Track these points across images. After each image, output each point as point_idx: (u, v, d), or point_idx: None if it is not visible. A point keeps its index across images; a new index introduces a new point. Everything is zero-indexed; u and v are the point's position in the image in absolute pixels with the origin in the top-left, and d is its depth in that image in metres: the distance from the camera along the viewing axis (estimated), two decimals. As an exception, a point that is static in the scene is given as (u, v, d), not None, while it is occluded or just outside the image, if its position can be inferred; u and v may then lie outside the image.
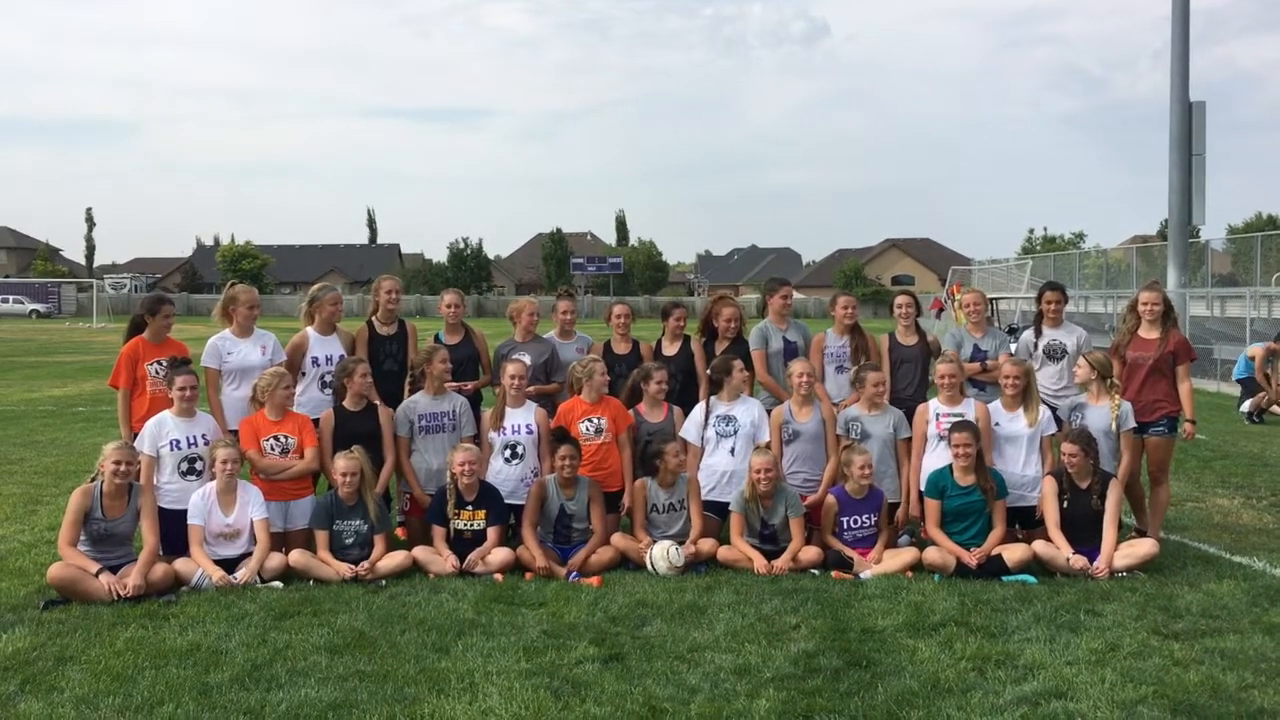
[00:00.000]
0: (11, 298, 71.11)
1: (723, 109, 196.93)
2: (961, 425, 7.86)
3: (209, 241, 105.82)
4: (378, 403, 8.34)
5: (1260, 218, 71.46)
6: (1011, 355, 8.66)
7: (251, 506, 7.54)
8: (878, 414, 8.33)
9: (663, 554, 7.66)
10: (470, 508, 7.89)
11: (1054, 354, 8.81)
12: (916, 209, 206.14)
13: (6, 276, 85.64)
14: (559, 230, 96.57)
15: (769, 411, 8.52)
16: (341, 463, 7.71)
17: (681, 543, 7.84)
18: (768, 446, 8.17)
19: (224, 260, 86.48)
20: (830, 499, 8.03)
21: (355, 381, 8.17)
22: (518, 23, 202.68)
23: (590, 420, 8.37)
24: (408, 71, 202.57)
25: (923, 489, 8.05)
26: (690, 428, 8.46)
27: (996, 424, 8.12)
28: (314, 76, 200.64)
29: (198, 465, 7.71)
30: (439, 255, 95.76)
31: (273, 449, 7.85)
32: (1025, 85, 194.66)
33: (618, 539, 7.99)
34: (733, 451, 8.33)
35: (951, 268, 46.35)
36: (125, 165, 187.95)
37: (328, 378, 8.47)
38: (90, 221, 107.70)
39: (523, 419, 8.39)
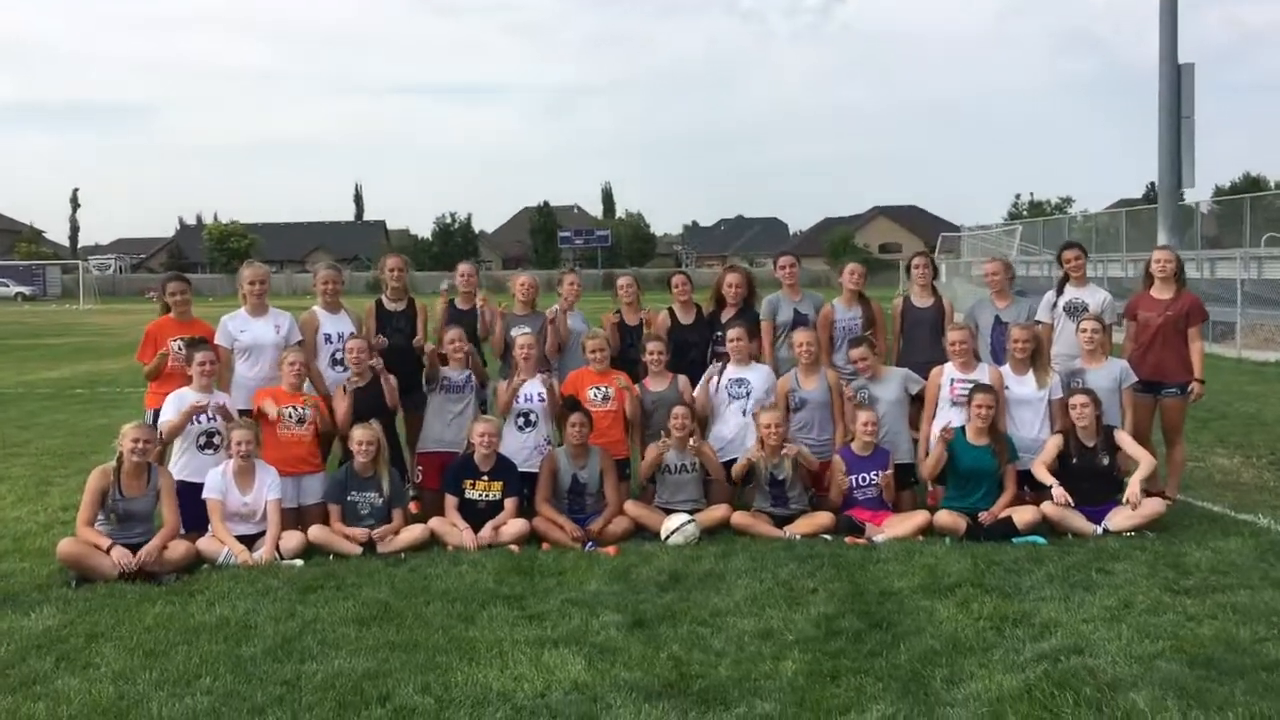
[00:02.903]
0: (-4, 281, 70.67)
1: (715, 84, 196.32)
2: (982, 387, 7.97)
3: (191, 221, 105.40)
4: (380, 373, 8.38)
5: (1247, 178, 71.77)
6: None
7: (268, 487, 7.60)
8: (883, 379, 8.42)
9: (678, 529, 7.75)
10: (486, 478, 7.97)
11: (1074, 312, 8.74)
12: (903, 176, 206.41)
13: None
14: (546, 204, 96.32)
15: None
16: (359, 432, 7.79)
17: (693, 511, 7.94)
18: (775, 406, 8.28)
19: (210, 239, 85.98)
20: (837, 458, 8.13)
21: (347, 356, 8.33)
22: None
23: (598, 388, 8.46)
24: (401, 47, 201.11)
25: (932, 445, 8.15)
26: (701, 387, 8.56)
27: (1006, 388, 8.20)
28: (301, 54, 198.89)
29: (215, 439, 7.80)
30: (425, 231, 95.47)
31: (289, 418, 7.93)
32: (1015, 52, 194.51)
33: (631, 507, 8.08)
34: (744, 413, 8.44)
35: (940, 235, 46.43)
36: (110, 146, 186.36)
37: (339, 354, 8.53)
38: (75, 203, 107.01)
39: (534, 387, 8.50)
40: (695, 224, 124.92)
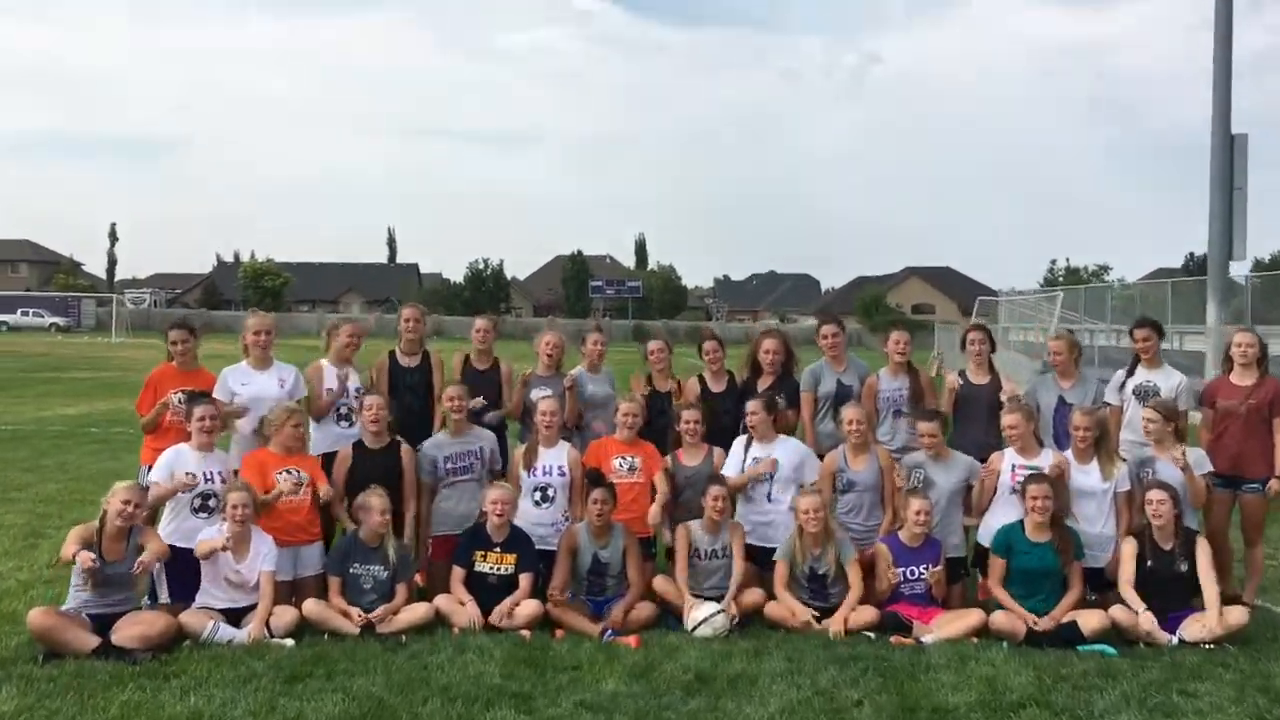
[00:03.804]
0: (32, 311, 71.03)
1: (751, 138, 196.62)
2: (1038, 477, 7.25)
3: (229, 258, 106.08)
4: (400, 440, 7.80)
5: (1288, 253, 70.52)
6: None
7: (263, 557, 6.98)
8: (946, 462, 7.72)
9: (706, 620, 7.07)
10: (499, 549, 7.33)
11: (1145, 396, 8.00)
12: (937, 237, 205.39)
13: (27, 290, 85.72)
14: (579, 252, 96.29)
15: (821, 457, 7.95)
16: (376, 499, 7.18)
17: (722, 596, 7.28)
18: (817, 490, 7.59)
19: (245, 277, 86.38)
20: (882, 547, 7.43)
21: (363, 414, 7.69)
22: (560, 48, 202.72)
23: (623, 458, 7.83)
24: (440, 90, 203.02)
25: (989, 545, 7.45)
26: (732, 464, 7.89)
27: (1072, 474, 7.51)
28: (340, 93, 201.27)
29: (211, 502, 7.19)
30: (458, 275, 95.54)
31: (285, 482, 7.28)
32: (1052, 115, 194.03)
33: (660, 583, 7.43)
34: (769, 497, 7.78)
35: (978, 298, 45.63)
36: (150, 180, 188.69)
37: (344, 409, 7.96)
38: (113, 237, 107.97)
39: (555, 460, 7.85)
40: (727, 278, 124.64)
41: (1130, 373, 8.25)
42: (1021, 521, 7.27)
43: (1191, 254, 77.65)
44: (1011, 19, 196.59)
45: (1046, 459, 7.52)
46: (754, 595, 7.41)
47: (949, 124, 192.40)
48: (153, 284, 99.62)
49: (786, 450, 7.89)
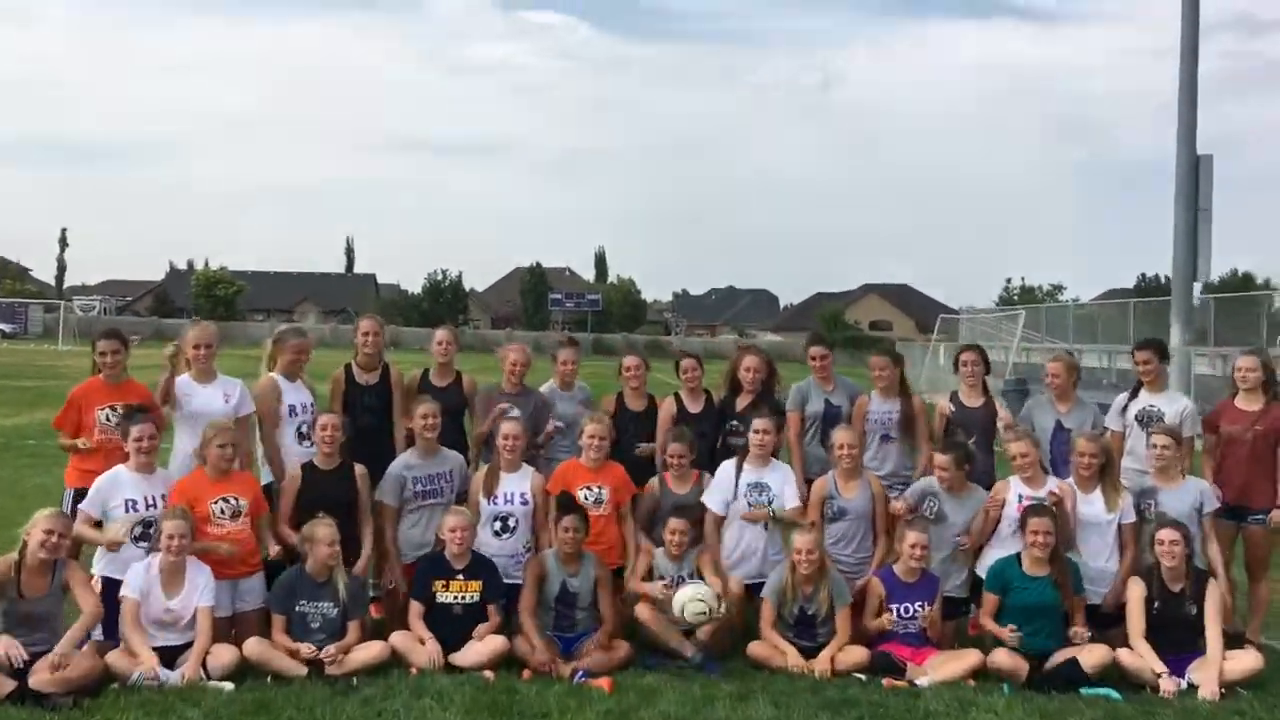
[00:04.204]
0: (-25, 317, 69.23)
1: (713, 154, 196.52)
2: (1038, 509, 6.80)
3: (182, 265, 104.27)
4: (353, 462, 7.22)
5: (1235, 275, 71.25)
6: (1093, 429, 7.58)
7: (200, 591, 6.36)
8: (961, 496, 7.23)
9: (694, 599, 6.65)
10: (461, 577, 6.77)
11: (1148, 422, 7.55)
12: (895, 255, 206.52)
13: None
14: (538, 264, 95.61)
15: (809, 482, 7.48)
16: (323, 530, 6.57)
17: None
18: (811, 524, 7.09)
19: (197, 285, 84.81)
20: (875, 581, 6.96)
21: (317, 433, 7.10)
22: (523, 61, 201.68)
23: (589, 489, 7.29)
24: (398, 101, 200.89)
25: (983, 577, 7.00)
26: (715, 494, 7.38)
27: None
28: (297, 102, 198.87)
29: (153, 530, 6.53)
30: (416, 286, 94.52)
31: (221, 513, 6.64)
32: (1007, 137, 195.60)
33: (643, 610, 6.88)
34: (766, 526, 7.30)
35: (940, 316, 45.59)
36: (104, 186, 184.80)
37: (305, 428, 7.34)
38: (64, 243, 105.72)
39: (517, 486, 7.30)
40: (685, 292, 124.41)
41: (1132, 396, 7.82)
42: (1019, 555, 6.83)
43: (1144, 274, 78.39)
44: (969, 41, 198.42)
45: (1051, 488, 7.08)
46: (736, 584, 7.12)
47: (908, 143, 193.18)
48: (104, 291, 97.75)
49: (779, 477, 7.41)
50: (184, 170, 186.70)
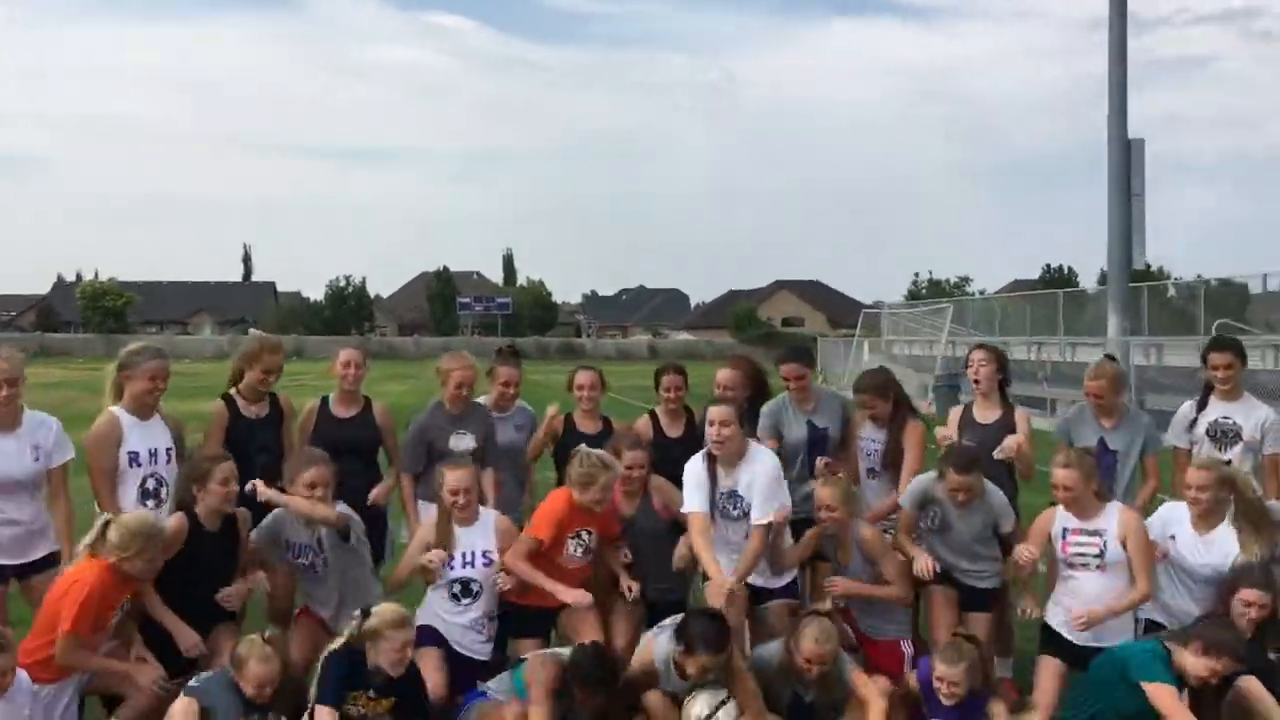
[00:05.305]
0: None
1: (618, 155, 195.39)
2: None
3: (71, 278, 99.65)
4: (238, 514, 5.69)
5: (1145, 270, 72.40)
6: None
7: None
8: (968, 505, 5.93)
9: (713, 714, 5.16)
10: (372, 692, 5.01)
11: (1220, 437, 6.26)
12: (805, 251, 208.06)
13: None
14: (445, 269, 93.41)
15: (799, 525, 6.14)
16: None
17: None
18: (828, 613, 5.49)
19: (84, 298, 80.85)
20: (911, 680, 5.58)
21: (212, 490, 5.45)
22: (425, 64, 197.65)
23: (580, 537, 5.88)
24: (296, 105, 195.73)
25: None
26: (693, 495, 5.87)
27: (1177, 546, 5.75)
28: (191, 109, 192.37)
29: None
30: (318, 293, 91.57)
31: None
32: (910, 135, 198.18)
33: (652, 698, 5.33)
34: (748, 536, 5.85)
35: (862, 311, 44.80)
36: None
37: (152, 483, 5.68)
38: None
39: (478, 542, 5.81)
40: (595, 293, 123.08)
41: (1201, 406, 6.43)
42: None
43: (1048, 265, 79.43)
44: (870, 40, 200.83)
45: (1111, 519, 5.63)
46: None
47: (814, 140, 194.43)
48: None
49: (750, 468, 5.88)
50: (71, 181, 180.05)
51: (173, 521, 5.45)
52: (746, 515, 5.83)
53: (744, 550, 5.79)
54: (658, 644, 5.36)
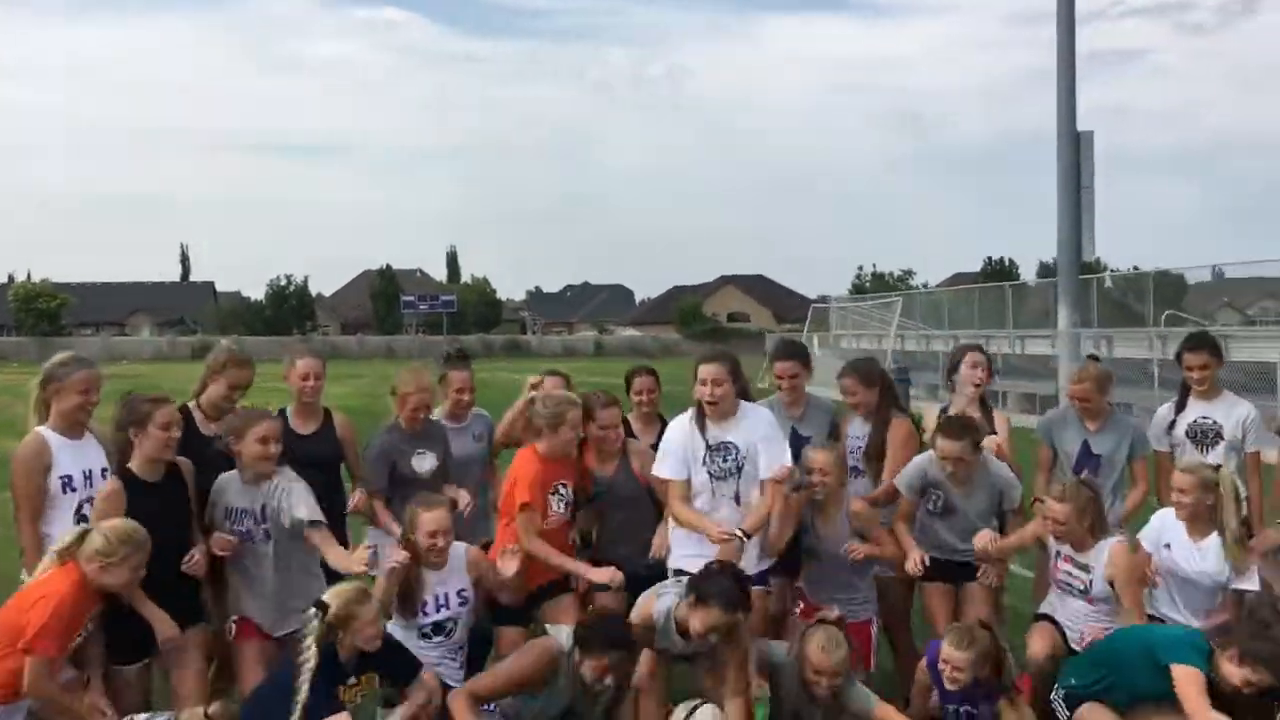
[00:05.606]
0: None
1: (561, 151, 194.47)
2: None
3: (2, 279, 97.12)
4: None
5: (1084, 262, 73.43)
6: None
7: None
8: (969, 484, 5.74)
9: None
10: (354, 677, 4.89)
11: (1201, 437, 6.12)
12: (749, 247, 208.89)
13: None
14: (388, 267, 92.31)
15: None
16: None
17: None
18: (834, 621, 5.26)
19: (16, 300, 78.78)
20: (921, 674, 5.36)
21: (152, 434, 5.08)
22: (363, 59, 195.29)
23: (558, 491, 5.63)
24: (235, 101, 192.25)
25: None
26: (669, 460, 5.53)
27: (1169, 561, 5.54)
28: (125, 106, 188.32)
29: None
30: (258, 293, 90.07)
31: None
32: (851, 130, 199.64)
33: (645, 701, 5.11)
34: (737, 499, 5.50)
35: (811, 305, 44.90)
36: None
37: (89, 508, 5.13)
38: None
39: (451, 584, 5.43)
40: (539, 289, 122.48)
41: (1180, 408, 6.27)
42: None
43: (989, 258, 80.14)
44: (813, 34, 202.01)
45: (1100, 558, 5.33)
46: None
47: (756, 135, 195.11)
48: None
49: (749, 424, 5.54)
50: (3, 179, 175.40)
51: (108, 485, 5.06)
52: (739, 470, 5.44)
53: (752, 507, 5.44)
54: (660, 601, 5.08)
